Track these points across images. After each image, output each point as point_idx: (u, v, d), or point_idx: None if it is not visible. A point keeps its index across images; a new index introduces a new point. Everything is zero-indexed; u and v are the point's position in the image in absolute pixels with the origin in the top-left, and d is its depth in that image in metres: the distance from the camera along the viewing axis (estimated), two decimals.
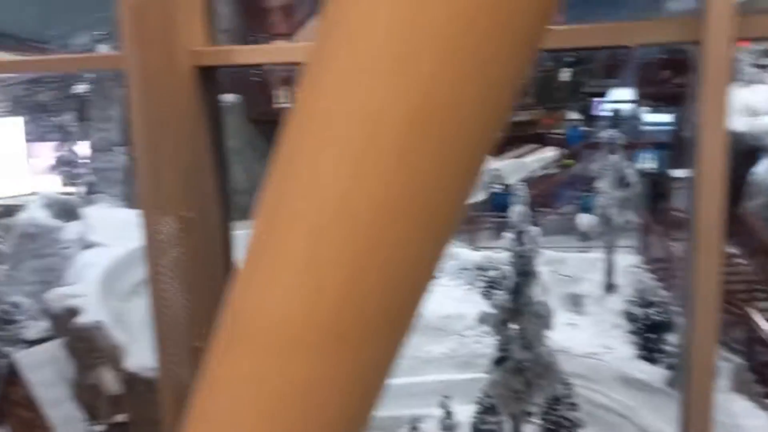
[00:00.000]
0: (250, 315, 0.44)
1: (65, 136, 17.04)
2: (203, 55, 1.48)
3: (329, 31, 0.44)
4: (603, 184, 11.36)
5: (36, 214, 13.35)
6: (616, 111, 12.85)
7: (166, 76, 1.46)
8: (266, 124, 17.24)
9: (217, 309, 1.46)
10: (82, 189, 16.26)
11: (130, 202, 16.38)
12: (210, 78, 1.52)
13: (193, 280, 1.63)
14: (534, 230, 8.11)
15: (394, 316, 0.44)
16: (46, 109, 18.57)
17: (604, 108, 17.05)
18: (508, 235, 8.06)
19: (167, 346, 1.65)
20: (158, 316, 1.61)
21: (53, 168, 16.78)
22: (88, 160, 17.06)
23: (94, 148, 17.23)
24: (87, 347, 9.37)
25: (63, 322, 9.93)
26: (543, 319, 7.38)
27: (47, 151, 17.32)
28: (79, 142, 17.23)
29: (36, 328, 10.70)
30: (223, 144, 1.61)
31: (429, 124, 0.42)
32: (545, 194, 14.10)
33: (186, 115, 1.51)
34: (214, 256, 1.69)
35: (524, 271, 7.42)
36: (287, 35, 18.38)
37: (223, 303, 1.42)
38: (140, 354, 8.94)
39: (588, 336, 10.53)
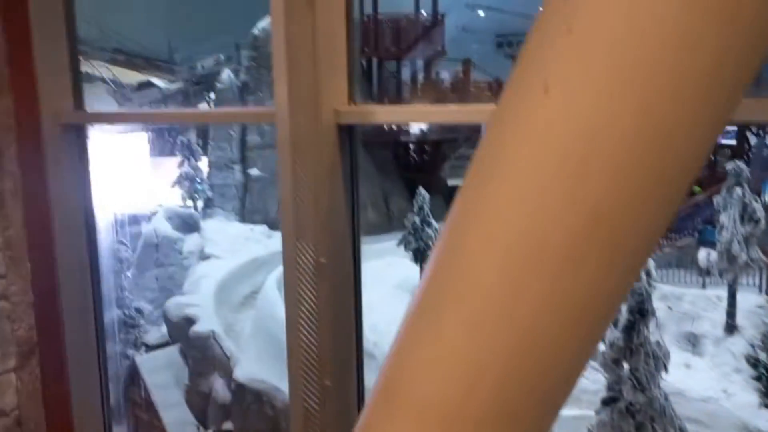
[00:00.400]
0: (405, 389, 0.46)
1: (187, 153, 18.15)
2: (346, 113, 1.55)
3: (501, 132, 0.46)
4: (726, 218, 10.66)
5: (159, 226, 14.31)
6: (742, 138, 12.06)
7: (312, 132, 1.55)
8: (375, 145, 17.60)
9: (347, 349, 1.51)
10: (201, 203, 17.25)
11: (243, 217, 17.20)
12: (351, 134, 1.60)
13: (326, 321, 1.70)
14: (649, 263, 7.74)
15: (552, 397, 0.45)
16: (171, 127, 19.87)
17: (729, 134, 16.03)
18: None
19: (299, 381, 1.73)
20: (293, 352, 1.69)
21: (175, 182, 17.91)
22: (206, 176, 18.08)
23: (213, 165, 18.25)
24: (200, 355, 9.88)
25: (180, 329, 10.53)
26: (657, 360, 7.00)
27: (170, 167, 18.51)
28: (200, 159, 18.30)
29: (156, 333, 11.42)
30: (357, 195, 1.68)
31: (597, 235, 0.43)
32: None
33: (327, 167, 1.59)
34: (345, 298, 1.76)
35: (638, 308, 7.08)
36: (397, 58, 18.73)
37: (352, 344, 1.47)
38: (248, 365, 9.32)
39: (706, 379, 9.86)
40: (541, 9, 0.49)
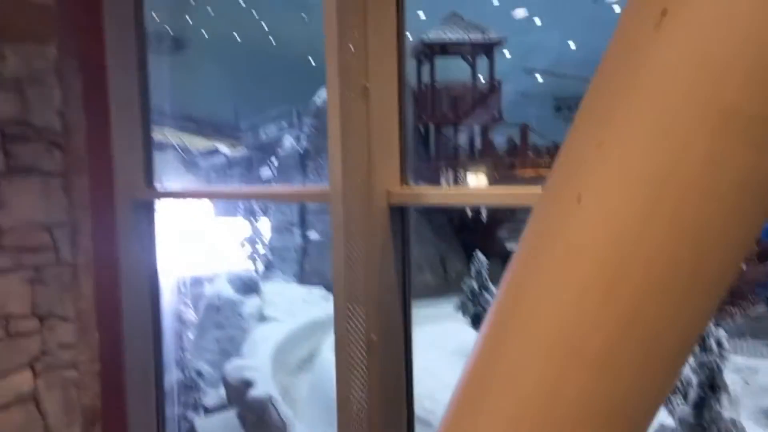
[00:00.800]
0: None
1: (250, 216, 18.66)
2: (398, 195, 1.60)
3: (538, 238, 0.49)
4: None
5: (221, 288, 14.63)
6: None
7: (364, 213, 1.60)
8: (430, 211, 17.69)
9: (398, 425, 1.50)
10: (261, 266, 17.60)
11: (301, 279, 17.42)
12: (402, 215, 1.64)
13: (377, 399, 1.70)
14: (720, 333, 7.37)
15: None
16: None
17: None
18: None
19: None
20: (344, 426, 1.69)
21: (238, 245, 18.36)
22: (267, 239, 18.50)
23: (273, 228, 18.69)
24: (257, 420, 9.87)
25: (238, 392, 10.58)
26: None
27: (234, 229, 19.04)
28: (262, 222, 18.79)
29: (214, 396, 11.51)
30: (409, 274, 1.71)
31: (631, 339, 0.45)
32: (734, 293, 12.79)
33: (378, 248, 1.63)
34: (397, 375, 1.77)
35: (709, 382, 6.71)
36: (454, 123, 19.00)
37: (403, 421, 1.46)
38: (304, 431, 9.23)
39: None
40: (573, 124, 0.53)
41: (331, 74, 1.49)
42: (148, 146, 2.37)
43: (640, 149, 0.47)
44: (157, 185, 2.41)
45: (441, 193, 1.61)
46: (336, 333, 1.60)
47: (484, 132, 19.28)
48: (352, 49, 1.52)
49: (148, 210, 2.36)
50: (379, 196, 1.59)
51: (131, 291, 2.32)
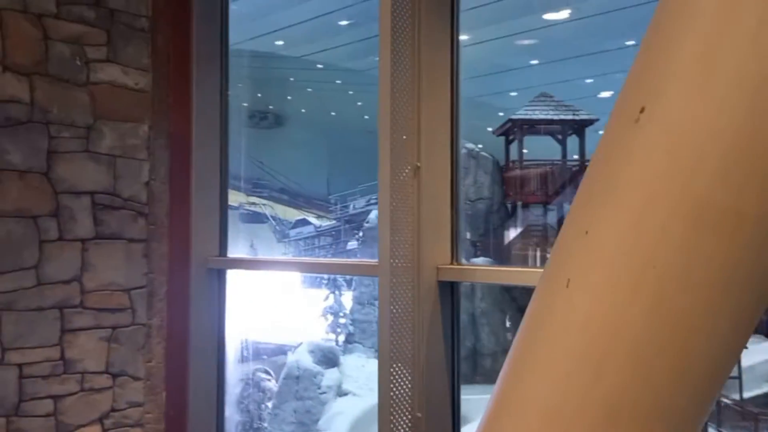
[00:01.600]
0: None
1: (333, 288, 18.86)
2: (447, 271, 1.62)
3: (533, 321, 0.50)
4: None
5: (301, 358, 14.73)
6: None
7: (412, 286, 1.63)
8: (515, 287, 17.27)
9: None
10: (342, 338, 17.63)
11: None
12: (452, 291, 1.65)
13: None
14: None
15: None
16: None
17: None
18: None
19: None
20: None
21: (321, 316, 18.53)
22: (349, 311, 18.57)
23: (356, 300, 18.77)
24: None
25: None
26: None
27: (318, 299, 19.26)
28: (344, 293, 18.93)
29: None
30: (458, 349, 1.70)
31: (618, 427, 0.44)
32: None
33: (426, 320, 1.64)
34: None
35: None
36: (544, 203, 18.73)
37: None
38: None
39: None
40: (569, 211, 0.56)
41: (383, 152, 1.56)
42: (224, 218, 2.52)
43: (620, 236, 0.49)
44: (230, 255, 2.55)
45: (491, 271, 1.62)
46: (379, 410, 1.60)
47: None
48: (405, 128, 1.59)
49: (220, 277, 2.48)
50: (428, 272, 1.61)
51: (199, 354, 2.42)
